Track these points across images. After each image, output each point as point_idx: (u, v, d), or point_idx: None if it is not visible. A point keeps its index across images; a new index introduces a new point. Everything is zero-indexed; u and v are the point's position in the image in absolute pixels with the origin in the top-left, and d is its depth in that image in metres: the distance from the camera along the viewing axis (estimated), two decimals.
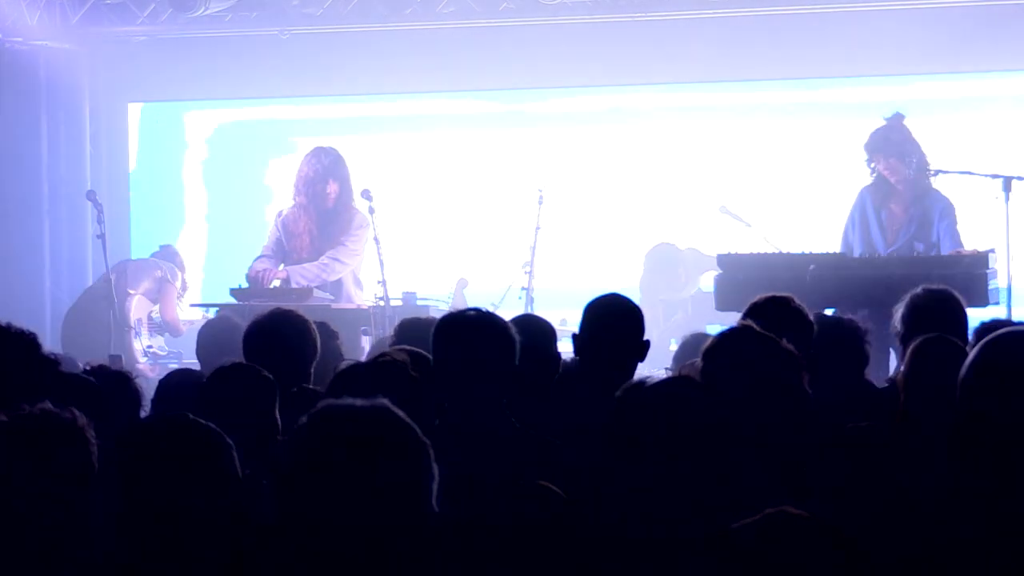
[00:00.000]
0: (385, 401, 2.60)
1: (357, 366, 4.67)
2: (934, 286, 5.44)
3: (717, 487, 3.18)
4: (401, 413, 2.58)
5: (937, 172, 8.28)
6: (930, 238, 8.34)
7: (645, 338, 4.89)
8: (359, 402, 2.60)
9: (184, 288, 11.09)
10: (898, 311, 5.33)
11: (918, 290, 5.38)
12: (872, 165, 8.52)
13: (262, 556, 2.74)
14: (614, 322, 4.85)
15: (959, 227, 8.41)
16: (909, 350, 4.55)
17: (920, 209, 8.40)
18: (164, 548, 2.95)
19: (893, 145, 8.44)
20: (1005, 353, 2.52)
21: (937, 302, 5.30)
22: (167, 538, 2.96)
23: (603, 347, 4.80)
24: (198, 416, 3.28)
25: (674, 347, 10.58)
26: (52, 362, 4.56)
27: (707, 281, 8.96)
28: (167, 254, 11.16)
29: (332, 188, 9.44)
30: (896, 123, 8.55)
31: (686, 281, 11.18)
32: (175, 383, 5.11)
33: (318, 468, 2.49)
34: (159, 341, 10.93)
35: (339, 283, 9.48)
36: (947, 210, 8.42)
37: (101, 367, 5.18)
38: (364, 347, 8.75)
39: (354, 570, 2.47)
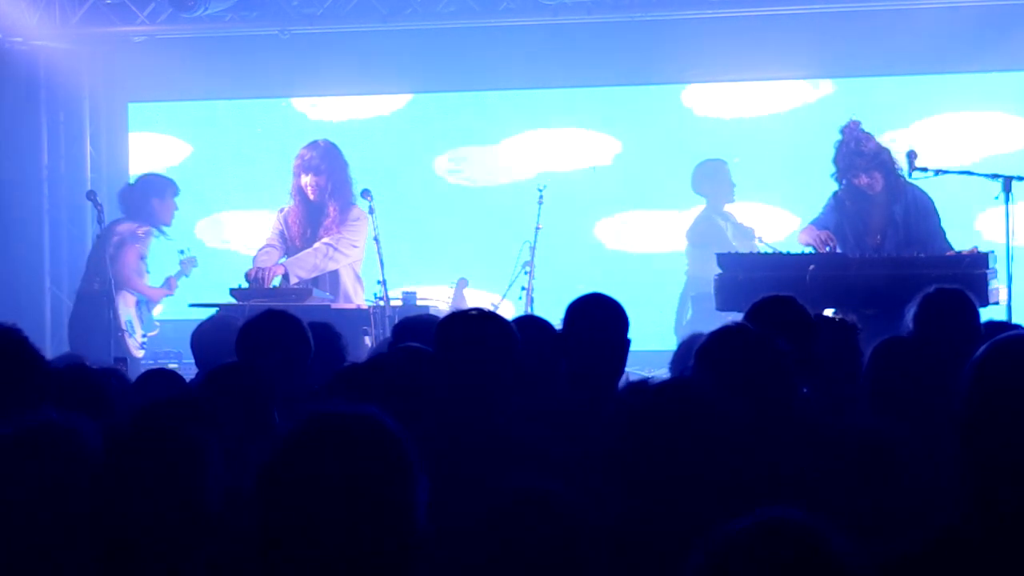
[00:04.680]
0: (372, 408, 2.50)
1: (356, 367, 4.67)
2: (947, 285, 5.40)
3: (713, 487, 3.19)
4: (388, 420, 2.48)
5: (938, 172, 8.21)
6: (916, 238, 8.25)
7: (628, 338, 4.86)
8: (345, 409, 2.50)
9: (145, 234, 10.56)
10: (911, 310, 5.30)
11: (931, 289, 5.34)
12: (845, 180, 8.38)
13: (243, 566, 2.67)
14: (597, 322, 4.82)
15: (942, 224, 8.36)
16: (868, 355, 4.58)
17: (900, 209, 8.31)
18: (135, 556, 2.90)
19: (868, 159, 8.27)
20: (1010, 355, 2.51)
21: (950, 301, 5.28)
22: (138, 546, 2.91)
23: (587, 347, 4.77)
24: (191, 415, 3.25)
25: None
26: (42, 360, 4.54)
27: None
28: (141, 189, 10.74)
29: (307, 181, 9.46)
30: (859, 133, 8.38)
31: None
32: (153, 384, 5.05)
33: (299, 477, 2.42)
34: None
35: (337, 280, 9.50)
36: (928, 208, 8.35)
37: (83, 364, 5.16)
38: (366, 348, 8.75)
39: None
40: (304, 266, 9.35)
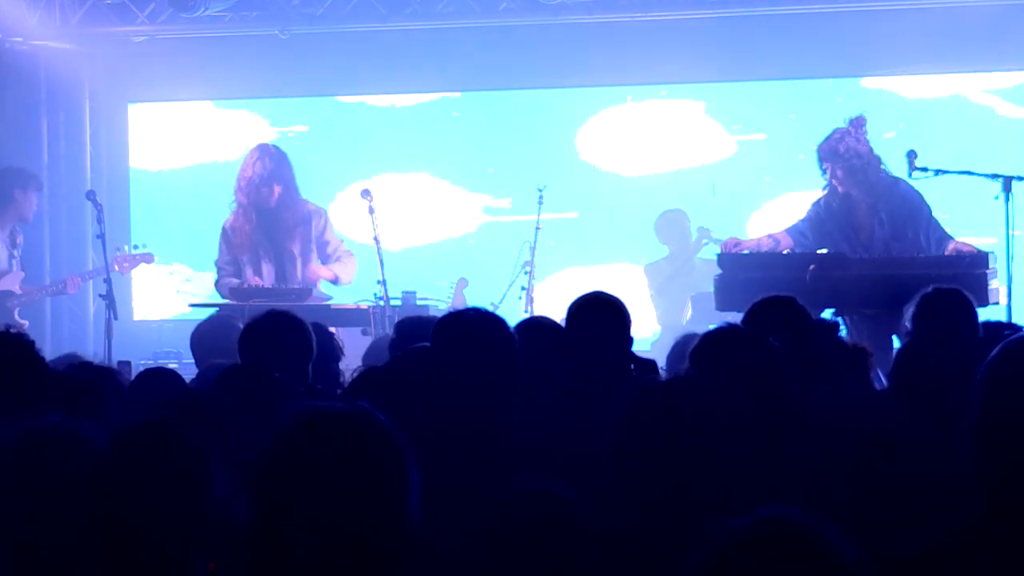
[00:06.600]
0: (364, 405, 2.52)
1: (377, 369, 4.63)
2: (944, 285, 5.40)
3: (716, 486, 3.19)
4: (379, 416, 2.49)
5: (938, 172, 8.20)
6: (907, 237, 8.22)
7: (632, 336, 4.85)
8: (336, 406, 2.52)
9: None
10: (909, 310, 5.29)
11: (929, 289, 5.34)
12: (824, 169, 8.40)
13: (239, 565, 2.66)
14: (598, 321, 4.80)
15: (936, 217, 8.33)
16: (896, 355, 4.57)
17: (884, 206, 8.28)
18: (137, 558, 2.90)
19: (839, 157, 8.25)
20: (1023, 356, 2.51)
21: (948, 301, 5.28)
22: (141, 548, 2.91)
23: (588, 346, 4.75)
24: (193, 416, 3.25)
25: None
26: (45, 364, 4.54)
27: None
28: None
29: (276, 190, 9.41)
30: (852, 130, 8.33)
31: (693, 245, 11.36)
32: (152, 384, 5.03)
33: (289, 472, 2.43)
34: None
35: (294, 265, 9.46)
36: (915, 203, 8.31)
37: (86, 364, 5.16)
38: (361, 347, 8.75)
39: None
40: (350, 271, 9.43)
